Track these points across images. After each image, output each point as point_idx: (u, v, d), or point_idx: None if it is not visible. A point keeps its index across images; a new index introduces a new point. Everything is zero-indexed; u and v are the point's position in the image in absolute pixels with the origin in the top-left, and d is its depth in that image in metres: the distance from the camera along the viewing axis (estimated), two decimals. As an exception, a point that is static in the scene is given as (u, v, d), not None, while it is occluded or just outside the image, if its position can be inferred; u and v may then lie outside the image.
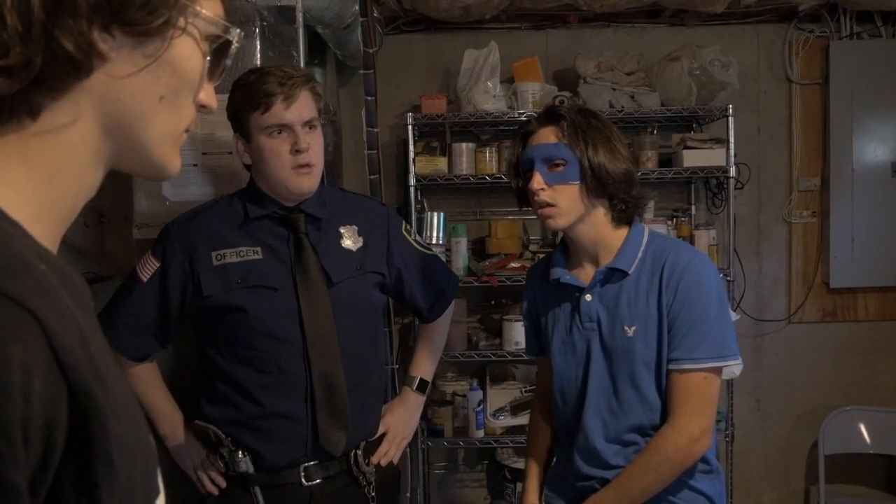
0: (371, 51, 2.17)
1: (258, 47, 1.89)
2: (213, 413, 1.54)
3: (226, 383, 1.52)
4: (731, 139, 2.68)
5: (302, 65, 1.96)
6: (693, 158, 2.67)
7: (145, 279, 1.53)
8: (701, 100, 2.69)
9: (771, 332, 3.15)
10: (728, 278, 2.76)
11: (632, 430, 1.41)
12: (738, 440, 3.06)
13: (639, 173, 2.67)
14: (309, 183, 1.48)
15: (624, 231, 1.44)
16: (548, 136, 1.40)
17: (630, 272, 1.40)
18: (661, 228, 2.70)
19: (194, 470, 1.58)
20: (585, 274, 1.45)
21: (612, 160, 1.37)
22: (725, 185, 2.82)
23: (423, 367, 1.77)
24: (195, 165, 1.91)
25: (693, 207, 3.05)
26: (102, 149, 0.54)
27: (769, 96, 3.09)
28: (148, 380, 1.60)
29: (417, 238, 1.73)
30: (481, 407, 2.78)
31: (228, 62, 0.60)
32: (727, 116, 2.68)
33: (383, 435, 1.66)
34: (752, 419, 3.18)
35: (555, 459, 1.60)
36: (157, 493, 0.52)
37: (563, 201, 1.38)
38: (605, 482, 1.42)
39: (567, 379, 1.48)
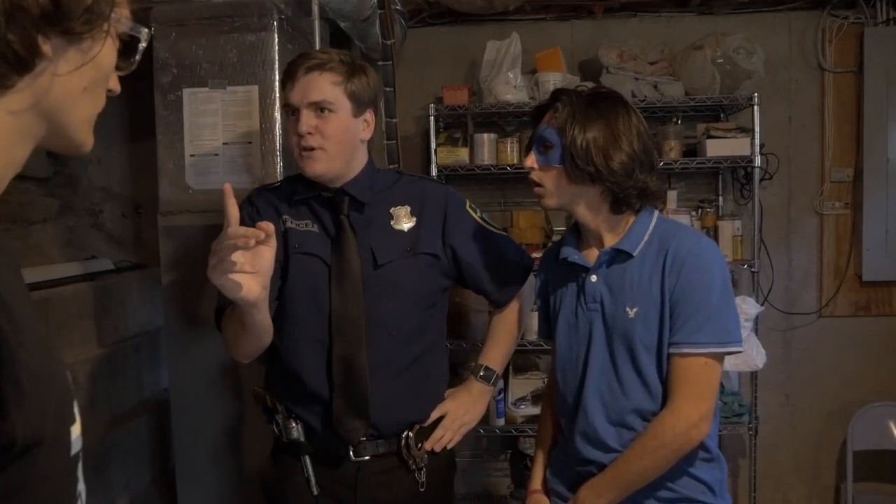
0: (389, 42, 2.21)
1: (276, 40, 1.95)
2: (270, 382, 1.58)
3: (277, 357, 1.54)
4: (757, 128, 2.63)
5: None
6: (717, 148, 2.64)
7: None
8: (726, 88, 2.65)
9: (801, 326, 3.09)
10: (752, 269, 2.72)
11: (632, 412, 1.41)
12: (766, 435, 3.02)
13: (661, 163, 2.68)
14: (315, 167, 1.47)
15: (629, 216, 1.44)
16: (546, 118, 1.42)
17: (635, 254, 1.41)
18: (684, 219, 2.67)
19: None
20: (593, 255, 1.46)
21: (602, 147, 1.35)
22: (752, 175, 2.77)
23: (490, 355, 1.68)
24: (216, 155, 1.99)
25: (720, 198, 3.01)
26: (33, 131, 0.62)
27: (800, 85, 3.03)
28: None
29: (485, 216, 1.66)
30: (501, 396, 2.80)
31: (138, 57, 0.68)
32: (752, 105, 2.63)
33: (440, 420, 1.60)
34: (781, 414, 3.12)
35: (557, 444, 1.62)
36: (72, 421, 0.61)
37: (548, 183, 1.40)
38: (603, 467, 1.42)
39: (569, 359, 1.49)
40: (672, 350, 1.37)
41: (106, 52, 0.62)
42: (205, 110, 1.98)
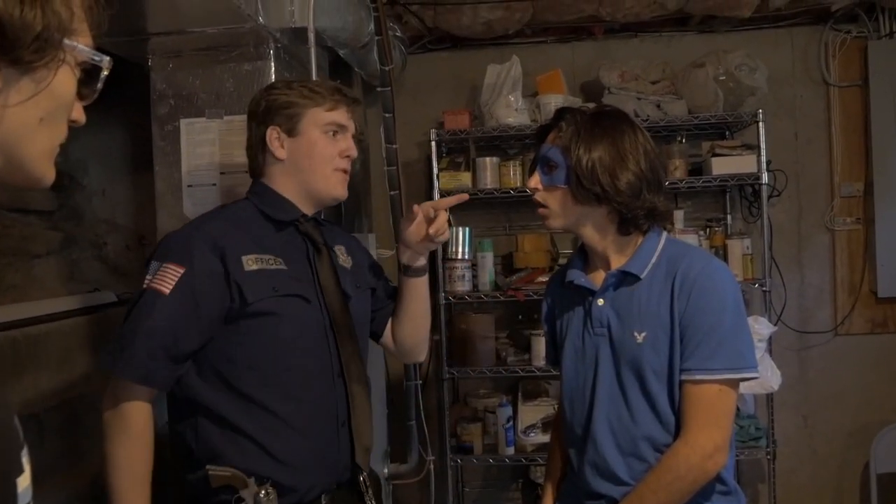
0: (387, 68, 2.20)
1: (273, 69, 1.95)
2: (232, 453, 1.35)
3: (248, 416, 1.35)
4: (762, 145, 2.60)
5: (315, 84, 1.99)
6: (722, 166, 2.60)
7: (167, 290, 1.31)
8: (729, 106, 2.63)
9: (817, 345, 3.01)
10: (764, 288, 2.66)
11: (643, 440, 1.35)
12: (784, 458, 2.93)
13: (667, 182, 2.65)
14: (345, 190, 1.51)
15: (637, 238, 1.39)
16: (550, 137, 1.39)
17: (642, 277, 1.36)
18: (692, 238, 2.63)
19: None
20: (599, 278, 1.41)
21: (609, 166, 1.32)
22: (760, 193, 2.73)
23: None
24: (214, 185, 1.97)
25: (729, 217, 2.97)
26: None
27: (805, 101, 3.00)
28: (146, 440, 1.35)
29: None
30: (510, 423, 2.74)
31: (100, 85, 0.65)
32: (757, 122, 2.60)
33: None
34: (800, 436, 3.04)
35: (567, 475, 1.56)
36: (19, 472, 0.56)
37: (553, 203, 1.37)
38: (614, 502, 1.36)
39: (576, 386, 1.43)
40: (684, 377, 1.31)
41: (61, 80, 0.60)
42: (202, 140, 1.97)
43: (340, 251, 1.57)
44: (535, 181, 1.38)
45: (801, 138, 3.01)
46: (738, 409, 2.80)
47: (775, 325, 2.87)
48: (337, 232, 1.64)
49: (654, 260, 1.37)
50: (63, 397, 2.28)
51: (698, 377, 1.30)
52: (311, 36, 1.95)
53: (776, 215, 2.97)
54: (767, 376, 2.49)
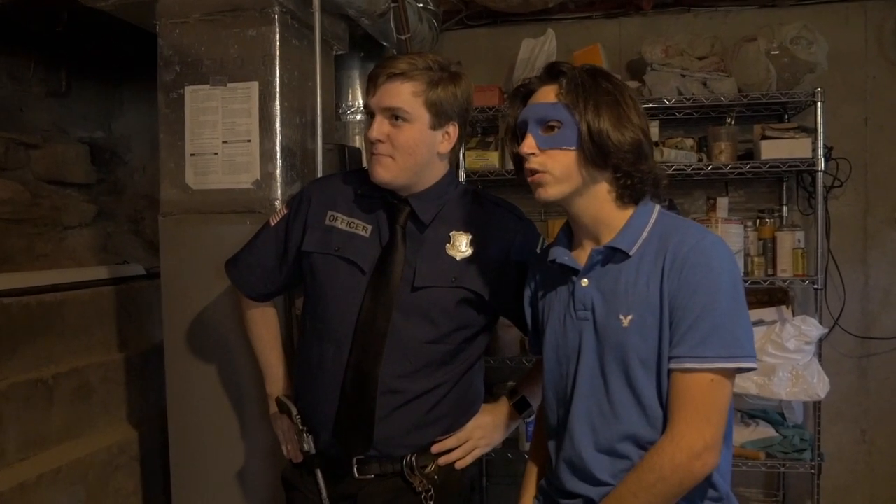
0: (403, 37, 2.10)
1: (277, 34, 1.87)
2: (294, 385, 1.56)
3: (304, 354, 1.52)
4: (820, 128, 2.34)
5: (318, 52, 1.91)
6: (772, 150, 2.36)
7: (273, 223, 1.59)
8: (785, 84, 2.38)
9: (880, 353, 2.73)
10: (815, 286, 2.41)
11: (625, 439, 1.21)
12: (838, 475, 2.69)
13: (710, 167, 2.43)
14: (382, 173, 1.42)
15: (629, 211, 1.25)
16: (546, 95, 1.24)
17: (631, 254, 1.21)
18: (735, 229, 2.41)
19: (282, 434, 1.60)
20: (585, 256, 1.27)
21: (617, 127, 1.19)
22: (816, 181, 2.47)
23: (533, 388, 1.55)
24: (216, 154, 1.92)
25: (784, 208, 2.71)
26: None
27: (879, 82, 2.70)
28: (263, 323, 1.64)
29: None
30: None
31: None
32: (815, 102, 2.35)
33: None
34: (856, 452, 2.76)
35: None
36: None
37: (556, 168, 1.21)
38: (591, 503, 1.23)
39: (557, 377, 1.30)
40: (673, 365, 1.15)
41: None
42: (206, 108, 1.92)
43: (461, 239, 1.46)
44: (531, 145, 1.22)
45: (872, 124, 2.72)
46: (783, 417, 2.59)
47: (831, 328, 2.61)
48: (478, 217, 1.48)
49: (644, 235, 1.22)
50: (75, 365, 2.31)
51: (688, 365, 1.14)
52: (316, 0, 1.87)
53: (839, 208, 2.70)
54: (813, 383, 2.26)
